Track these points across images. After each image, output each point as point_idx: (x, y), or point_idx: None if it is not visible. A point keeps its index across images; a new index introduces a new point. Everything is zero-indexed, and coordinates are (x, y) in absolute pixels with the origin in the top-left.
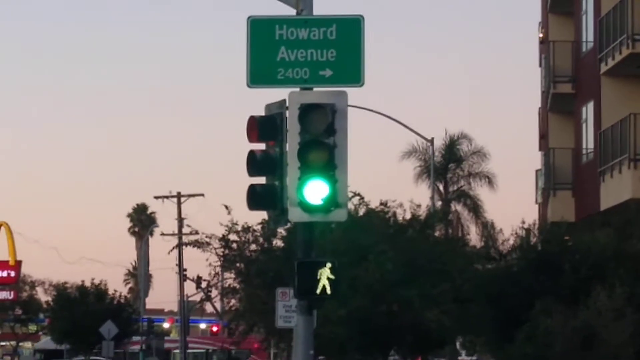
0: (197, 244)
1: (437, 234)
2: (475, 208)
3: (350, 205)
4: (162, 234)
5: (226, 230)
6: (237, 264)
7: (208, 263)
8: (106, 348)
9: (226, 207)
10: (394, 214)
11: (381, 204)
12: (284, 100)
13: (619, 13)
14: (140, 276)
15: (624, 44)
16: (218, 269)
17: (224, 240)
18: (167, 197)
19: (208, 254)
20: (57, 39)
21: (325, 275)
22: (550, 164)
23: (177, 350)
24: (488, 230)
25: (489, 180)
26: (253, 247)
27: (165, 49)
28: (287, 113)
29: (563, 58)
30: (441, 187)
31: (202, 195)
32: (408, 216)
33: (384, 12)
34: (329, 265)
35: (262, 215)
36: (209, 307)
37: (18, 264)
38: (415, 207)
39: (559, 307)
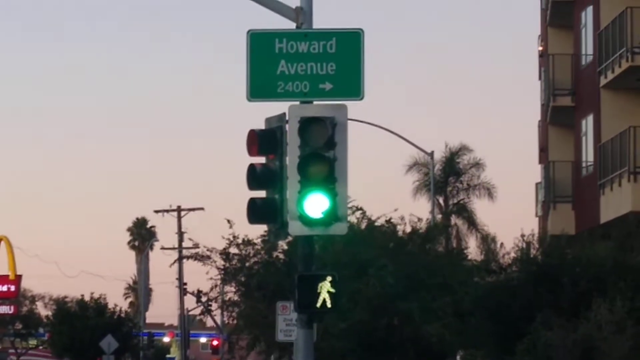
0: (198, 258)
1: (437, 247)
2: (474, 221)
3: (352, 219)
4: (162, 248)
5: (227, 243)
6: (238, 277)
7: (209, 277)
8: None
9: (228, 221)
10: (395, 227)
11: (386, 221)
12: (284, 114)
13: (618, 26)
14: (140, 290)
15: (623, 57)
16: (218, 282)
17: (225, 254)
18: (167, 211)
19: (208, 267)
20: (52, 58)
21: (325, 288)
22: (550, 177)
23: None
24: (488, 243)
25: (489, 191)
26: (253, 260)
27: (164, 63)
28: (287, 126)
29: (563, 71)
30: (441, 201)
31: (202, 209)
32: (409, 229)
33: (383, 25)
34: (329, 278)
35: (263, 228)
36: (209, 321)
37: (18, 278)
38: (416, 221)
39: (559, 320)
